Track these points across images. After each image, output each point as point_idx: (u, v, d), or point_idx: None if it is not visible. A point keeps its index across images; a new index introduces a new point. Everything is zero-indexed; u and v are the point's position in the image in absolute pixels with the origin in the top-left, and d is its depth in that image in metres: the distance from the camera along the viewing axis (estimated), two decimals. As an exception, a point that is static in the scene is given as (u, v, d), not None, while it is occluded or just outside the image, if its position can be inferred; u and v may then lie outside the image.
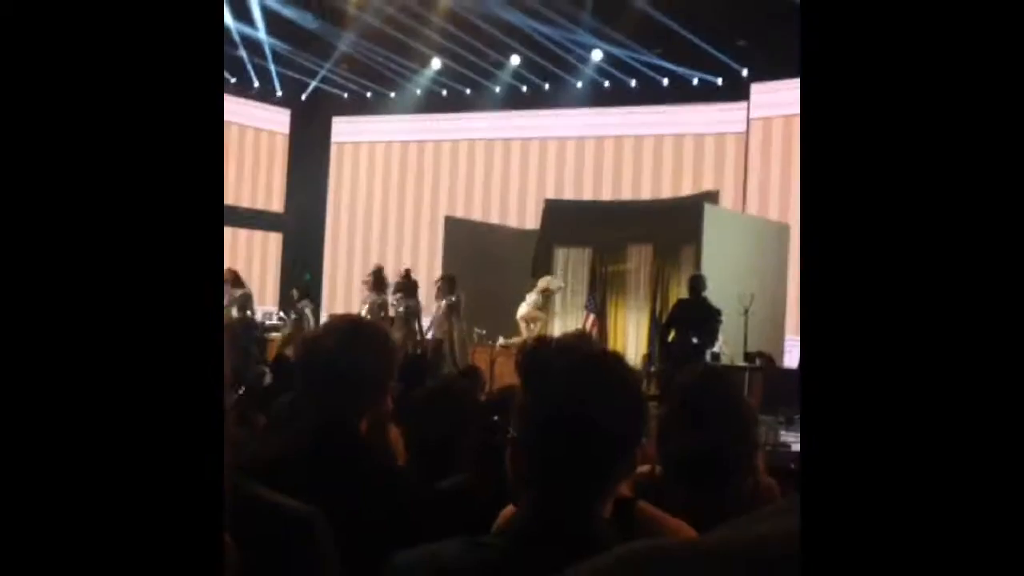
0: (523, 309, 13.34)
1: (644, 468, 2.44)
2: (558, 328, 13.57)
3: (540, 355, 1.46)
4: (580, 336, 1.42)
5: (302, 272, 17.84)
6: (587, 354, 1.45)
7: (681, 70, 16.37)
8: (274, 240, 19.72)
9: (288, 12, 15.98)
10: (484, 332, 13.43)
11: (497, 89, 17.94)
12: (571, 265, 14.42)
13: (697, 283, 10.52)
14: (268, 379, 6.98)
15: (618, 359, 1.52)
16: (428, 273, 17.71)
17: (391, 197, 19.39)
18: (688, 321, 10.38)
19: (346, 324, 2.20)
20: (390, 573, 1.42)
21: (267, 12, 16.02)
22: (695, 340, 10.19)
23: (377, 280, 13.27)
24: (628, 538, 1.50)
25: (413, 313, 12.85)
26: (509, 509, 1.70)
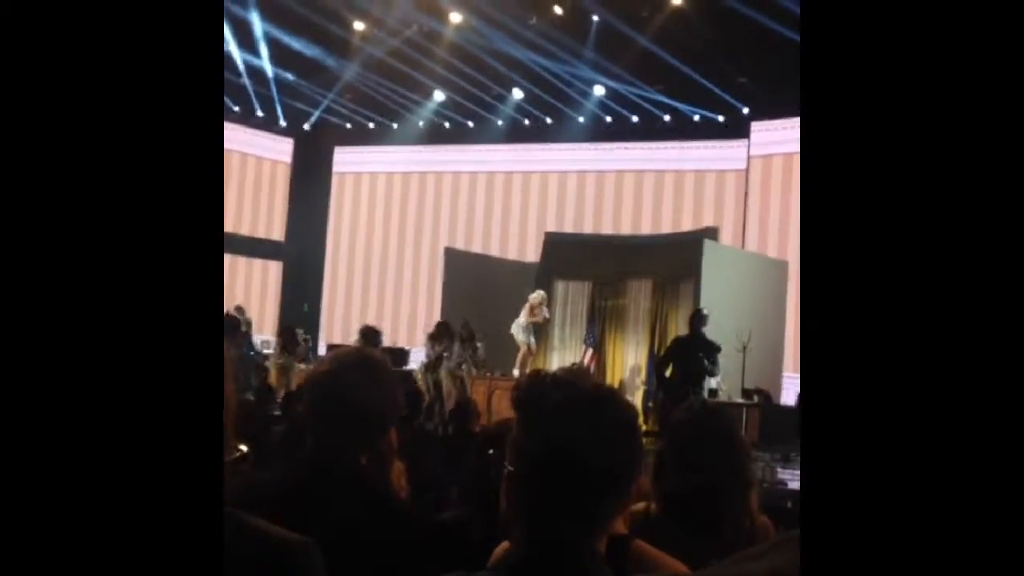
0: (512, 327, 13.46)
1: (639, 505, 2.44)
2: (556, 362, 13.56)
3: (536, 389, 1.46)
4: (577, 371, 1.42)
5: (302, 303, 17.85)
6: (582, 389, 1.45)
7: (682, 107, 16.45)
8: (274, 268, 19.73)
9: (293, 42, 16.09)
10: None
11: (499, 122, 18.02)
12: (570, 299, 14.42)
13: (696, 319, 10.51)
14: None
15: (614, 394, 1.52)
16: (427, 305, 17.71)
17: (392, 228, 19.42)
18: (686, 356, 10.37)
19: (353, 357, 2.20)
20: None
21: (272, 42, 16.12)
22: (693, 375, 10.17)
23: (441, 332, 13.33)
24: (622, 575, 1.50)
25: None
26: (504, 544, 1.70)
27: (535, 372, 1.54)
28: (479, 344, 13.00)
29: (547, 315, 13.67)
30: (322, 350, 16.62)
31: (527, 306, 13.50)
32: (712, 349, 10.41)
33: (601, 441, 1.40)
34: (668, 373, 10.49)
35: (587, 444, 1.39)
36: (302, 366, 13.54)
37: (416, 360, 15.62)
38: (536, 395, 1.44)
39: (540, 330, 13.75)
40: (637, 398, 12.47)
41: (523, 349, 13.39)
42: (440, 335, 13.15)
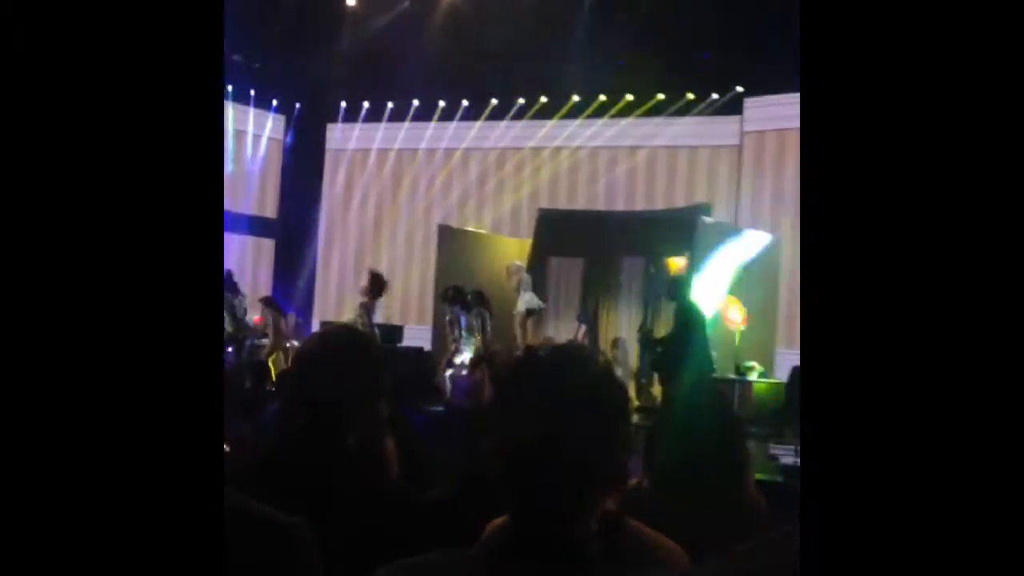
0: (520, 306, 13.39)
1: (631, 482, 2.44)
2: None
3: (526, 366, 1.45)
4: (569, 347, 1.41)
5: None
6: (573, 365, 1.44)
7: (676, 83, 16.39)
8: (267, 246, 19.69)
9: (286, 18, 15.99)
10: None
11: (493, 99, 17.95)
12: (563, 275, 14.41)
13: (673, 287, 10.47)
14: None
15: (604, 370, 1.50)
16: (421, 281, 17.69)
17: (385, 205, 19.38)
18: (679, 330, 10.34)
19: (338, 334, 2.20)
20: None
21: (264, 18, 16.02)
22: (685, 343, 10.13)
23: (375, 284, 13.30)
24: (614, 554, 1.50)
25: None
26: (497, 521, 1.70)
27: (527, 348, 1.54)
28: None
29: (525, 277, 13.52)
30: (315, 327, 16.63)
31: (506, 275, 13.47)
32: (699, 319, 10.40)
33: (591, 417, 1.39)
34: (657, 335, 10.50)
35: (577, 419, 1.38)
36: (295, 343, 13.58)
37: (409, 337, 15.66)
38: (527, 371, 1.43)
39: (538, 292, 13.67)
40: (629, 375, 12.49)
41: (524, 320, 13.29)
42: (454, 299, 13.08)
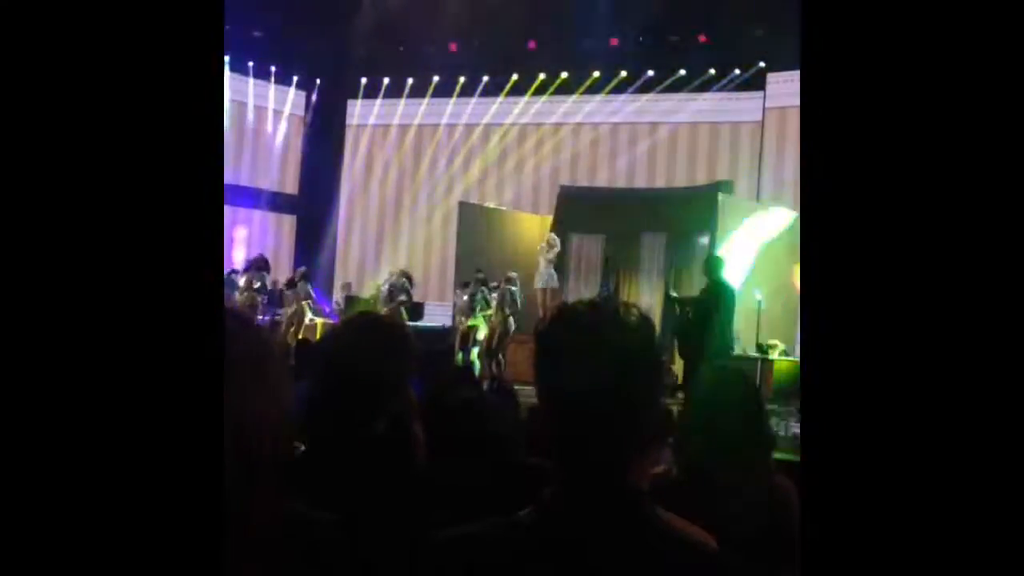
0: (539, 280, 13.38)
1: (659, 469, 2.45)
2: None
3: (563, 318, 1.43)
4: (603, 299, 1.38)
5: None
6: (607, 315, 1.42)
7: (698, 59, 16.28)
8: (288, 222, 19.74)
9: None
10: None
11: (514, 75, 17.88)
12: (584, 252, 14.39)
13: (710, 264, 10.47)
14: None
15: (640, 320, 1.47)
16: (441, 257, 17.71)
17: (405, 181, 19.37)
18: (703, 304, 10.31)
19: (365, 322, 2.20)
20: (429, 552, 1.42)
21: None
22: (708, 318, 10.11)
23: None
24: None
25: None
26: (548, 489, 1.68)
27: (563, 303, 1.52)
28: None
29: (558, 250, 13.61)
30: (335, 299, 16.69)
31: (543, 246, 13.49)
32: (727, 294, 10.38)
33: (622, 363, 1.37)
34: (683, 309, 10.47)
35: (610, 364, 1.36)
36: (318, 320, 13.65)
37: (429, 314, 15.70)
38: (562, 323, 1.42)
39: (559, 271, 13.68)
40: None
41: (545, 295, 13.30)
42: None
